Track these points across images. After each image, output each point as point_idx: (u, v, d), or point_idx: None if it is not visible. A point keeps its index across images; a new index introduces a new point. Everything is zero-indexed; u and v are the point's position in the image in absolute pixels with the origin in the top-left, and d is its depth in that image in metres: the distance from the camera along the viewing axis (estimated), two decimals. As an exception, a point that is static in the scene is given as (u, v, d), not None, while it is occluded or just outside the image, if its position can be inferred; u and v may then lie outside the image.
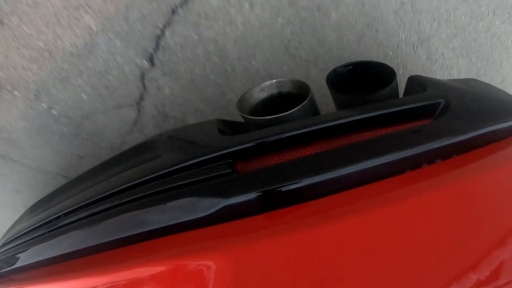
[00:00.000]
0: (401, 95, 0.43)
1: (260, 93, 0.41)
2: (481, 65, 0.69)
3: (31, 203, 0.53)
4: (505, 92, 0.39)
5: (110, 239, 0.30)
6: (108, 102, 0.57)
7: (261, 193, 0.27)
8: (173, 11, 0.51)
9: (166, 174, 0.32)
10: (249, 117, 0.37)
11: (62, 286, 0.30)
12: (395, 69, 0.39)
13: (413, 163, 0.29)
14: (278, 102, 0.41)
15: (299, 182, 0.27)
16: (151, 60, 0.54)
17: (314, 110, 0.39)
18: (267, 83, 0.41)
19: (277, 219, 0.27)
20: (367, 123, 0.32)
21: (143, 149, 0.41)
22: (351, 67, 0.42)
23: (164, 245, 0.28)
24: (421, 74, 0.42)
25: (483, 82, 0.41)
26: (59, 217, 0.37)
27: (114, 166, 0.41)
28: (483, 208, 0.27)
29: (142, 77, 0.55)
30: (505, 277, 0.25)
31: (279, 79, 0.41)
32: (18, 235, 0.40)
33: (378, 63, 0.40)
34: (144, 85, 0.56)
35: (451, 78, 0.66)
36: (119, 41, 0.51)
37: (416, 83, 0.39)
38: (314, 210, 0.26)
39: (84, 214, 0.34)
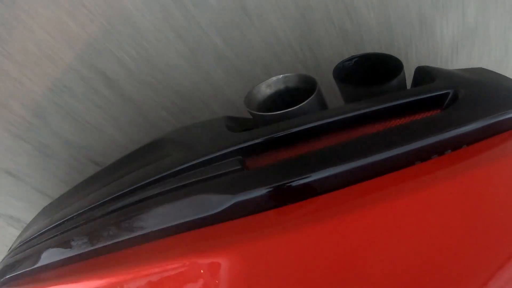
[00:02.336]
0: (409, 86, 0.42)
1: (267, 89, 0.41)
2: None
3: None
4: (514, 80, 0.39)
5: (122, 239, 0.31)
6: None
7: (272, 189, 0.27)
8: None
9: (176, 173, 0.32)
10: (257, 113, 0.37)
11: (76, 287, 0.30)
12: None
13: (423, 155, 0.29)
14: (285, 97, 0.41)
15: (309, 177, 0.27)
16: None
17: (322, 104, 0.39)
18: (274, 78, 0.41)
19: (288, 214, 0.27)
20: (375, 116, 0.32)
21: (152, 149, 0.41)
22: (357, 59, 0.41)
23: (176, 243, 0.28)
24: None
25: (491, 71, 0.41)
26: (72, 218, 0.37)
27: (124, 166, 0.42)
28: (496, 197, 0.27)
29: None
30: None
31: (286, 74, 0.41)
32: (32, 237, 0.41)
33: (385, 54, 0.40)
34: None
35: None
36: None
37: (424, 74, 0.38)
38: (326, 204, 0.26)
39: (96, 215, 0.34)
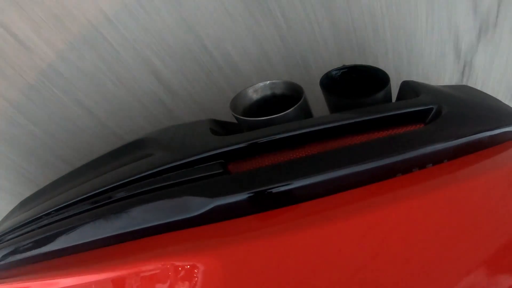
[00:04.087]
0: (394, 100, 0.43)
1: (253, 94, 0.41)
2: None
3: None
4: (497, 99, 0.40)
5: (98, 238, 0.30)
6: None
7: (252, 194, 0.27)
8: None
9: (157, 173, 0.32)
10: (242, 117, 0.36)
11: (50, 284, 0.30)
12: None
13: (404, 167, 0.29)
14: (271, 104, 0.41)
15: (290, 184, 0.27)
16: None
17: (307, 112, 0.39)
18: (261, 84, 0.41)
19: (268, 220, 0.26)
20: (359, 127, 0.32)
21: (134, 148, 0.40)
22: (345, 70, 0.42)
23: (153, 244, 0.28)
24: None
25: (475, 89, 0.42)
26: (49, 213, 0.36)
27: (105, 164, 0.41)
28: (472, 213, 0.27)
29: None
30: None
31: (273, 81, 0.41)
32: (7, 231, 0.40)
33: (373, 67, 0.41)
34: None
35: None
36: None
37: (409, 88, 0.39)
38: (305, 212, 0.26)
39: (73, 212, 0.34)
